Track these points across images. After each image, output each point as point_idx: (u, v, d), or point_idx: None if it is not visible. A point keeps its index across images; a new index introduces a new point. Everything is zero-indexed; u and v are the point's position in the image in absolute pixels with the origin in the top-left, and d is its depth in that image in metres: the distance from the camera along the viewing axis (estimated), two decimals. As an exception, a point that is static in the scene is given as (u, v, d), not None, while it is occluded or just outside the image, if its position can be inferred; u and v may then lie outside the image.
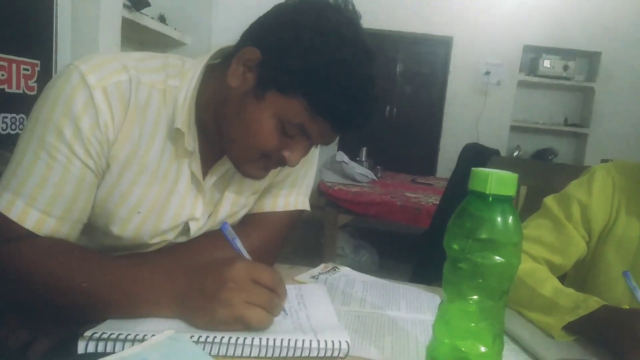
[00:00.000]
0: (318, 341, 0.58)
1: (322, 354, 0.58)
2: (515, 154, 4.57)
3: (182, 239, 0.78)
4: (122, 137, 0.67)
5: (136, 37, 3.21)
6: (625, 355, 0.63)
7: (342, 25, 0.64)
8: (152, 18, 3.10)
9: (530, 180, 1.38)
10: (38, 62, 1.99)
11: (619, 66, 4.47)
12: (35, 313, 0.66)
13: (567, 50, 4.50)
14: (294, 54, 0.62)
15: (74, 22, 2.22)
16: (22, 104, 1.89)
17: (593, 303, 0.70)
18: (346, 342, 0.58)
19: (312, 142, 0.70)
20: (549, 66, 4.49)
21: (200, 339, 0.55)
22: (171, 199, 0.73)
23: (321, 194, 2.60)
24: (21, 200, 0.63)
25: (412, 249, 2.59)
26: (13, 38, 1.85)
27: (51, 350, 0.63)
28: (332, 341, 0.58)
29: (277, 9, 0.68)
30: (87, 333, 0.54)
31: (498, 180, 0.45)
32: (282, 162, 0.70)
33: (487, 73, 4.52)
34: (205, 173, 0.76)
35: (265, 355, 0.57)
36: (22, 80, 1.91)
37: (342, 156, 3.01)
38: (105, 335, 0.54)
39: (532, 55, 4.61)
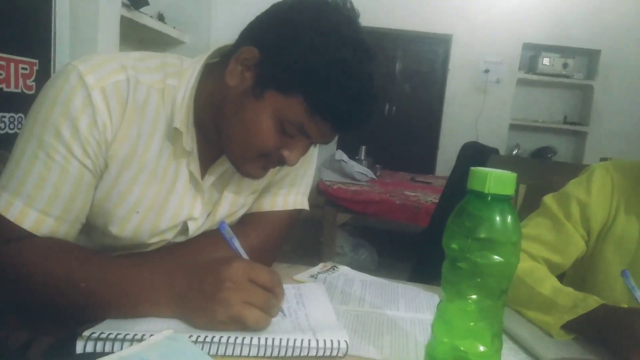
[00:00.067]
0: (317, 340, 0.58)
1: (321, 353, 0.58)
2: (514, 152, 4.57)
3: (181, 238, 0.78)
4: (120, 137, 0.67)
5: (135, 36, 3.21)
6: (624, 354, 0.63)
7: (341, 24, 0.64)
8: (150, 17, 3.10)
9: (529, 178, 1.38)
10: (36, 61, 1.99)
11: (619, 64, 4.46)
12: (35, 313, 0.66)
13: (567, 48, 4.49)
14: (293, 53, 0.62)
15: (72, 21, 2.22)
16: (20, 103, 1.89)
17: (592, 302, 0.70)
18: (345, 341, 0.58)
19: (311, 141, 0.70)
20: (548, 64, 4.48)
21: (199, 339, 0.55)
22: (170, 198, 0.73)
23: (320, 193, 2.60)
24: (20, 201, 0.63)
25: (411, 248, 2.59)
26: (11, 37, 1.85)
27: (50, 350, 0.63)
28: (331, 340, 0.58)
29: (275, 7, 0.68)
30: (86, 333, 0.54)
31: (497, 180, 0.45)
32: (281, 162, 0.70)
33: (487, 71, 4.51)
34: (203, 173, 0.76)
35: (264, 354, 0.57)
36: (21, 80, 1.91)
37: (341, 155, 3.01)
38: (104, 335, 0.54)
39: (532, 53, 4.60)
